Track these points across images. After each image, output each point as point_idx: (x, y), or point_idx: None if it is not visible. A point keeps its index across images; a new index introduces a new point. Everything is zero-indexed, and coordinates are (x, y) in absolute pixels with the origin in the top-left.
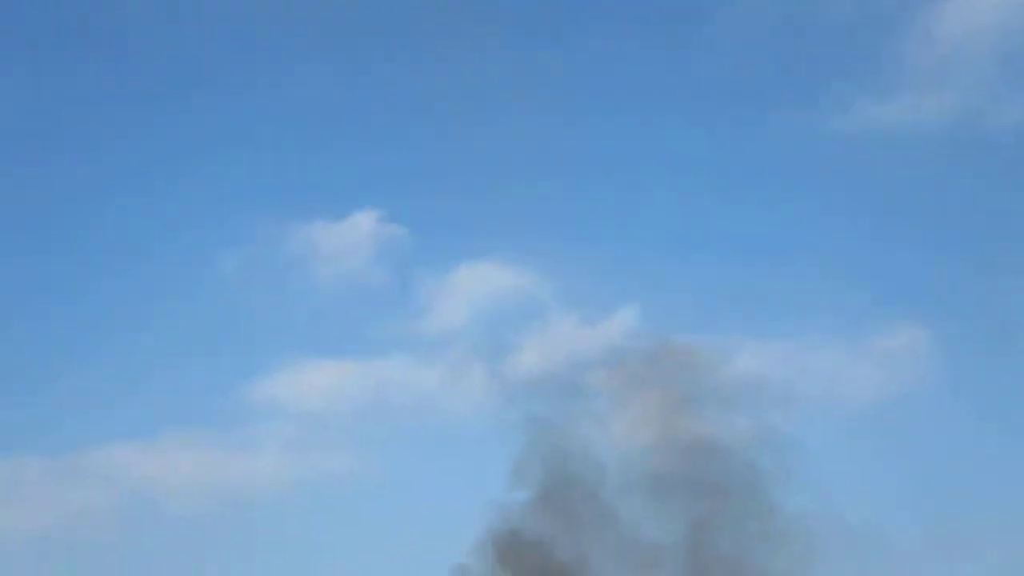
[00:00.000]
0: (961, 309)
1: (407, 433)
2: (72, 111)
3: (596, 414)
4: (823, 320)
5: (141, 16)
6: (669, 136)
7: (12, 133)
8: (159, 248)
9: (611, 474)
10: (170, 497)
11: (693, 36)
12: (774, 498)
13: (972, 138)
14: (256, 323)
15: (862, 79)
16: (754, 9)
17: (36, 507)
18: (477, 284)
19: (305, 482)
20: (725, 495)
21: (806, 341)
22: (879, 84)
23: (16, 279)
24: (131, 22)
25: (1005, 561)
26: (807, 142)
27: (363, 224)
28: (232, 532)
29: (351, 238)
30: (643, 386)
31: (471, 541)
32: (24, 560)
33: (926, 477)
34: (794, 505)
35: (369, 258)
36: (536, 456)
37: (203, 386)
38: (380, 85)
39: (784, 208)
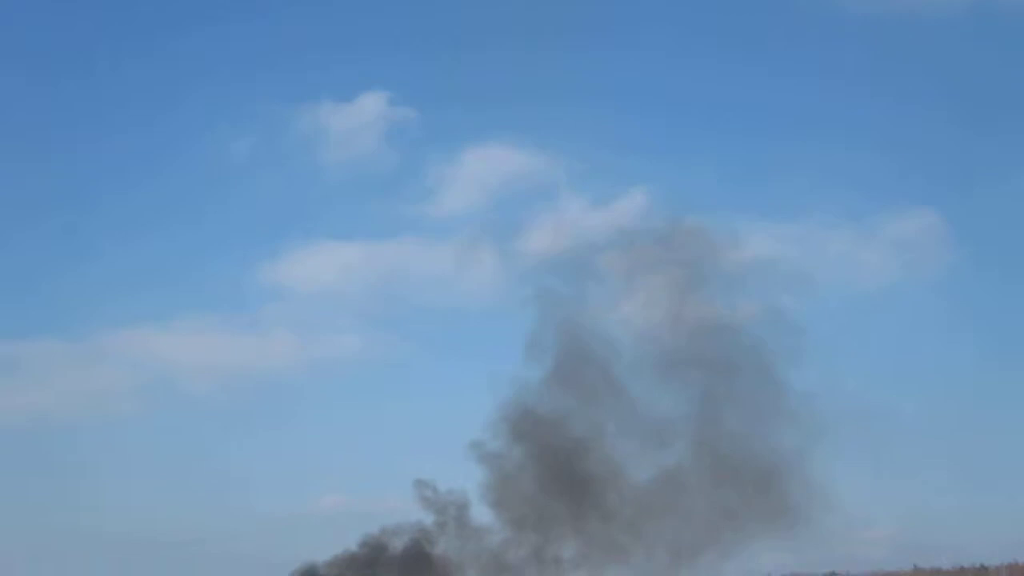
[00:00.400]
0: (979, 195)
1: (417, 315)
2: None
3: (607, 294)
4: (835, 204)
5: None
6: (687, 12)
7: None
8: (171, 136)
9: (622, 352)
10: (185, 378)
11: None
12: (783, 376)
13: (990, 18)
14: (266, 207)
15: None
16: None
17: (59, 388)
18: (486, 166)
19: (316, 363)
20: (734, 373)
21: (817, 224)
22: None
23: (39, 175)
24: None
25: (1009, 443)
26: (827, 23)
27: (372, 106)
28: (245, 411)
29: (360, 120)
30: (653, 267)
31: (486, 418)
32: (49, 439)
33: (935, 362)
34: (802, 384)
35: (378, 140)
36: (548, 335)
37: (215, 271)
38: None
39: (800, 85)
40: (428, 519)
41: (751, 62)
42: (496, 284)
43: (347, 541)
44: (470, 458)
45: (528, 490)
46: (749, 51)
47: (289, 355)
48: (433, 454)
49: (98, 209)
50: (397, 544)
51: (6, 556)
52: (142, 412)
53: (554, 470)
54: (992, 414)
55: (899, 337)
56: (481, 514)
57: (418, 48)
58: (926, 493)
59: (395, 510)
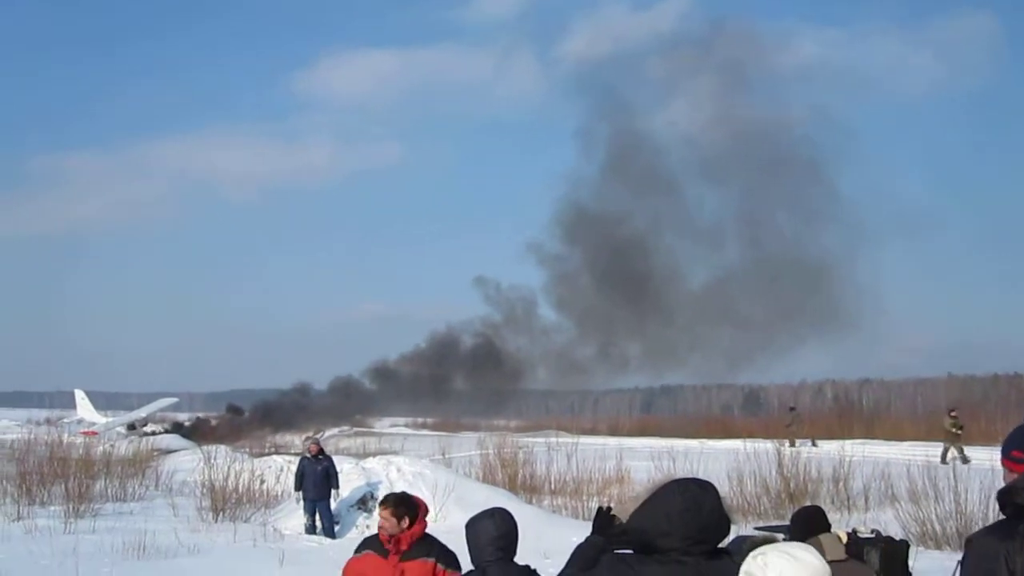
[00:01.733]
0: None
1: (455, 123)
2: None
3: (651, 98)
4: (885, 6)
5: None
6: None
7: None
8: None
9: (670, 154)
10: (224, 187)
11: None
12: (831, 180)
13: None
14: (299, 13)
15: None
16: None
17: (96, 199)
18: None
19: (354, 172)
20: (783, 175)
21: (865, 27)
22: None
23: None
24: None
25: None
26: None
27: None
28: (284, 220)
29: None
30: (697, 70)
31: (538, 222)
32: (91, 250)
33: (984, 171)
34: (850, 188)
35: None
36: (596, 135)
37: (250, 81)
38: None
39: None
40: (493, 317)
41: None
42: (536, 90)
43: (387, 348)
44: (522, 261)
45: (588, 290)
46: None
47: (327, 164)
48: (476, 262)
49: (129, 27)
50: (467, 341)
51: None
52: (181, 220)
53: (611, 270)
54: None
55: (947, 145)
56: (546, 314)
57: None
58: (967, 303)
59: (434, 317)
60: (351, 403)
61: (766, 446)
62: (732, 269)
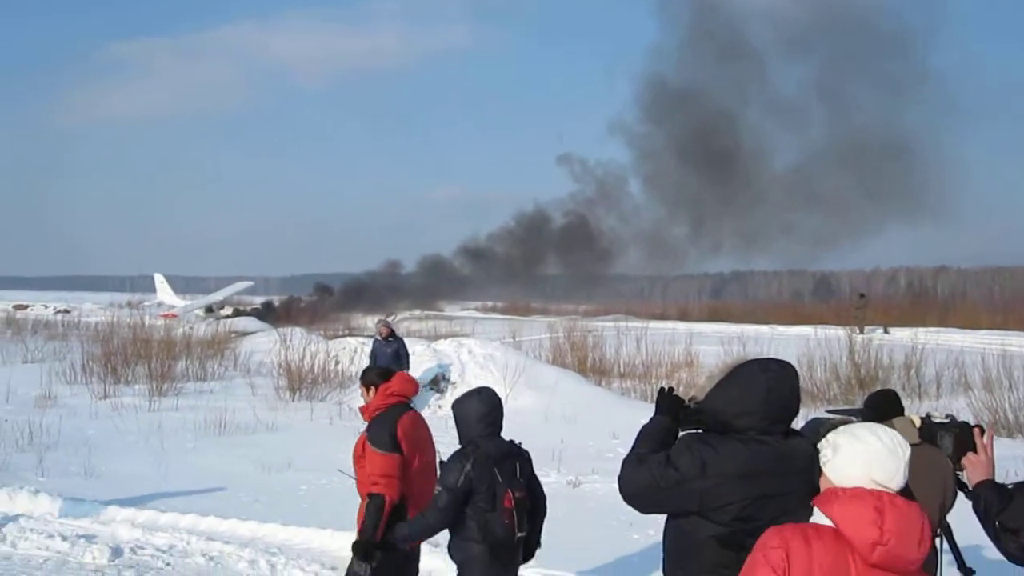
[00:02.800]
0: None
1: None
2: None
3: None
4: None
5: None
6: None
7: None
8: None
9: (753, 25)
10: (295, 72)
11: None
12: (917, 52)
13: None
14: None
15: None
16: None
17: (169, 86)
18: None
19: (426, 55)
20: (867, 47)
21: None
22: None
23: None
24: None
25: None
26: None
27: None
28: (357, 104)
29: None
30: None
31: (620, 101)
32: (167, 137)
33: None
34: (940, 63)
35: None
36: (678, 9)
37: None
38: None
39: None
40: (583, 194)
41: None
42: None
43: (463, 230)
44: (604, 142)
45: (674, 170)
46: None
47: (398, 47)
48: (555, 145)
49: None
50: (558, 219)
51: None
52: (253, 106)
53: (696, 148)
54: None
55: None
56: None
57: None
58: None
59: (509, 200)
60: (442, 283)
61: (837, 332)
62: (816, 148)
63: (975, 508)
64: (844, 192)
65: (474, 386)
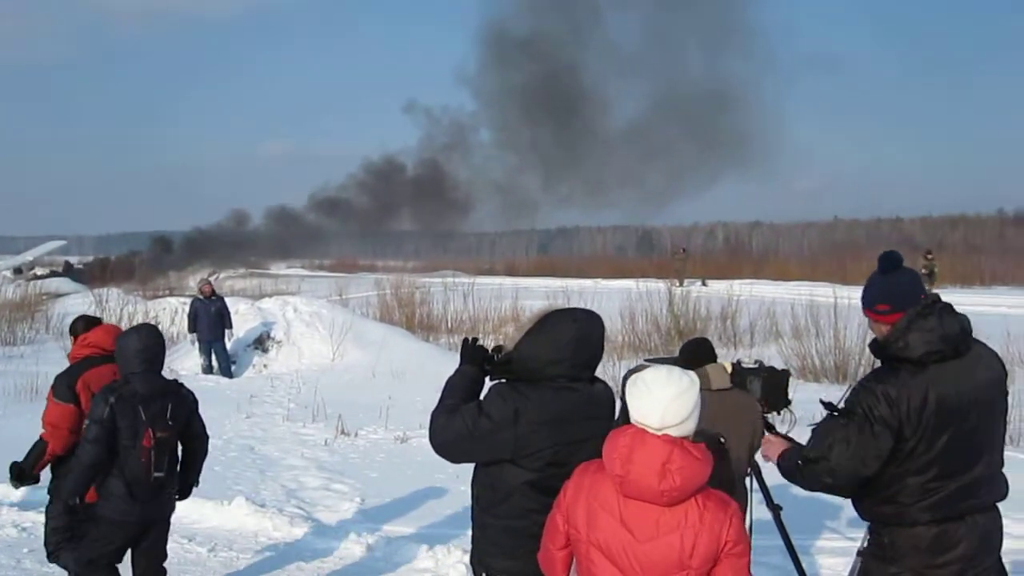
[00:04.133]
0: None
1: None
2: None
3: None
4: None
5: None
6: None
7: None
8: None
9: None
10: (114, 21)
11: None
12: (741, 9)
13: None
14: None
15: None
16: None
17: None
18: None
19: (253, 3)
20: (692, 2)
21: None
22: None
23: None
24: None
25: (960, 109)
26: None
27: None
28: (180, 57)
29: None
30: None
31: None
32: None
33: (901, 17)
34: (762, 22)
35: None
36: None
37: None
38: None
39: None
40: (434, 141)
41: None
42: None
43: (295, 188)
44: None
45: (519, 119)
46: None
47: None
48: (391, 98)
49: None
50: (411, 169)
51: None
52: (67, 56)
53: (540, 98)
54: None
55: None
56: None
57: None
58: (865, 146)
59: (346, 154)
60: (295, 236)
61: (658, 285)
62: (652, 99)
63: (782, 472)
64: (679, 143)
65: (300, 345)
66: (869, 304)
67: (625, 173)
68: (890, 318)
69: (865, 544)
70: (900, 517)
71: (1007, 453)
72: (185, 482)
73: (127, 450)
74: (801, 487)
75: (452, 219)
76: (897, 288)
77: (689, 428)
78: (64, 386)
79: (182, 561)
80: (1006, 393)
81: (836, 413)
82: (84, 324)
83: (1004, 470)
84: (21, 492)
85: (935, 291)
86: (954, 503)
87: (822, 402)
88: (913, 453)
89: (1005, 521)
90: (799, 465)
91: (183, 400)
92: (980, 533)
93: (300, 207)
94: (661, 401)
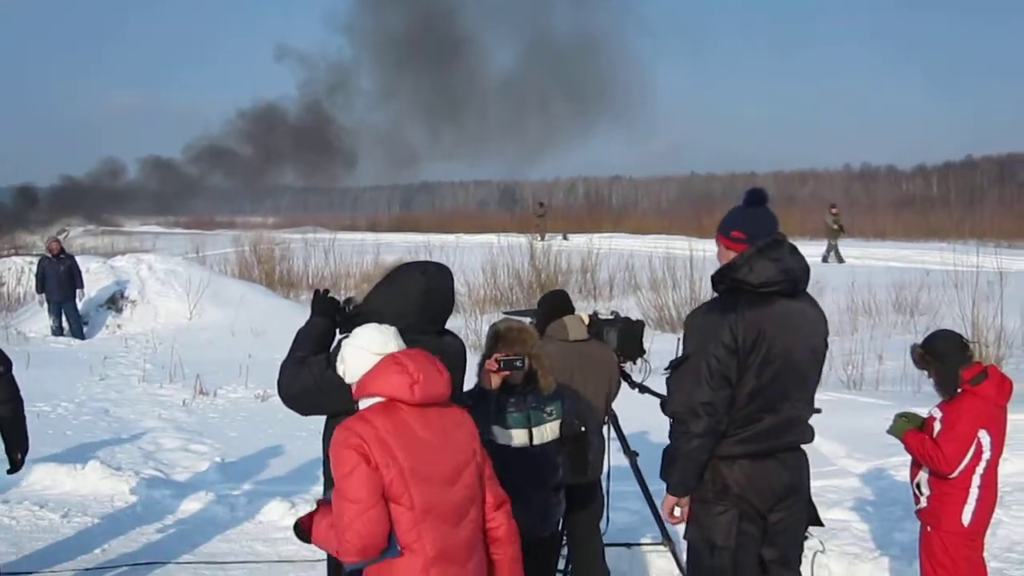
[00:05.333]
0: None
1: None
2: None
3: None
4: None
5: None
6: None
7: None
8: None
9: None
10: None
11: None
12: None
13: None
14: None
15: None
16: None
17: None
18: None
19: None
20: None
21: None
22: None
23: None
24: None
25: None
26: None
27: None
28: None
29: None
30: None
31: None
32: None
33: None
34: None
35: None
36: None
37: None
38: None
39: None
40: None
41: None
42: None
43: (151, 144)
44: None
45: (397, 68)
46: None
47: None
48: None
49: None
50: (292, 116)
51: None
52: None
53: (418, 46)
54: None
55: None
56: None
57: None
58: (721, 104)
59: (206, 107)
60: (171, 189)
61: (519, 240)
62: (525, 50)
63: (664, 471)
64: (551, 94)
65: (155, 304)
66: (724, 230)
67: (503, 125)
68: (741, 247)
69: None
70: (720, 450)
71: (848, 396)
72: (10, 451)
73: None
74: (692, 452)
75: (336, 171)
76: (756, 220)
77: None
78: None
79: (34, 529)
80: (827, 345)
81: (678, 365)
82: None
83: (845, 411)
84: None
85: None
86: (768, 439)
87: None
88: (740, 382)
89: (847, 461)
90: (672, 439)
91: None
92: (791, 471)
93: (177, 158)
94: (388, 333)
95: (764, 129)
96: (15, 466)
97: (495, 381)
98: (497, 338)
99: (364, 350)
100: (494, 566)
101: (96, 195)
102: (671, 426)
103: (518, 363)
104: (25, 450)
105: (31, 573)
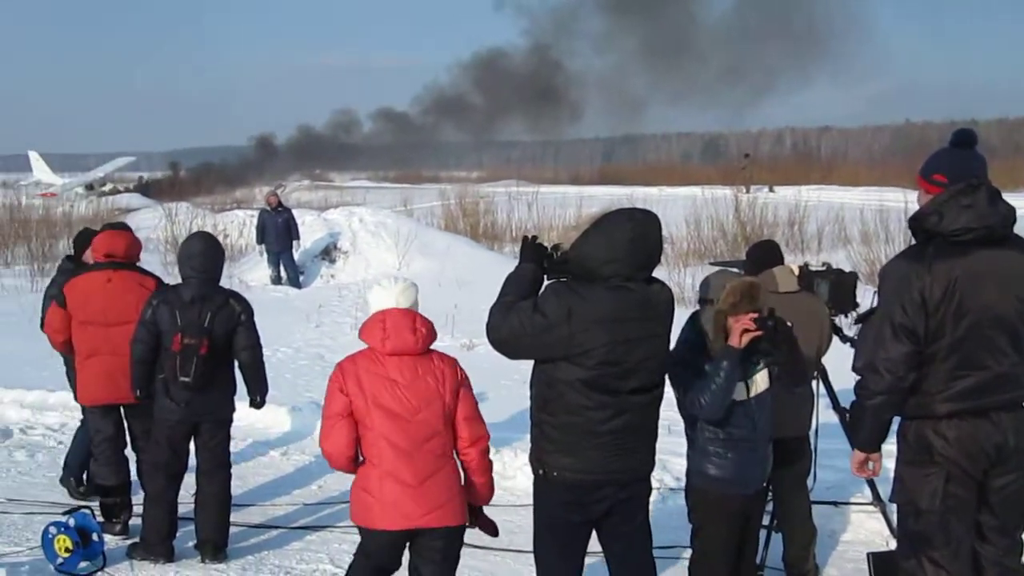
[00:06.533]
0: None
1: None
2: None
3: None
4: None
5: None
6: None
7: None
8: None
9: None
10: None
11: None
12: None
13: None
14: None
15: None
16: None
17: None
18: None
19: None
20: None
21: None
22: None
23: None
24: None
25: None
26: None
27: None
28: None
29: None
30: None
31: None
32: (33, 7)
33: None
34: None
35: None
36: None
37: None
38: None
39: None
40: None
41: None
42: None
43: (361, 101)
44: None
45: (617, 14)
46: None
47: None
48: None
49: None
50: (518, 65)
51: None
52: None
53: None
54: None
55: None
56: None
57: None
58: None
59: (403, 66)
60: (405, 142)
61: (724, 192)
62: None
63: (851, 422)
64: (769, 38)
65: (366, 255)
66: (925, 172)
67: (720, 71)
68: (941, 191)
69: (898, 452)
70: (924, 409)
71: None
72: (250, 393)
73: (165, 351)
74: (874, 410)
75: (562, 122)
76: (961, 162)
77: (418, 306)
78: (56, 288)
79: (257, 464)
80: None
81: (865, 318)
82: (86, 236)
83: None
84: None
85: None
86: (977, 396)
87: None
88: (936, 336)
89: None
90: (856, 395)
91: (229, 312)
92: (1007, 432)
93: (408, 110)
94: (393, 292)
95: (988, 72)
96: (255, 407)
97: (744, 340)
98: (742, 295)
99: (371, 307)
100: (473, 489)
101: (332, 146)
102: (855, 383)
103: (770, 323)
104: (264, 392)
105: (255, 504)
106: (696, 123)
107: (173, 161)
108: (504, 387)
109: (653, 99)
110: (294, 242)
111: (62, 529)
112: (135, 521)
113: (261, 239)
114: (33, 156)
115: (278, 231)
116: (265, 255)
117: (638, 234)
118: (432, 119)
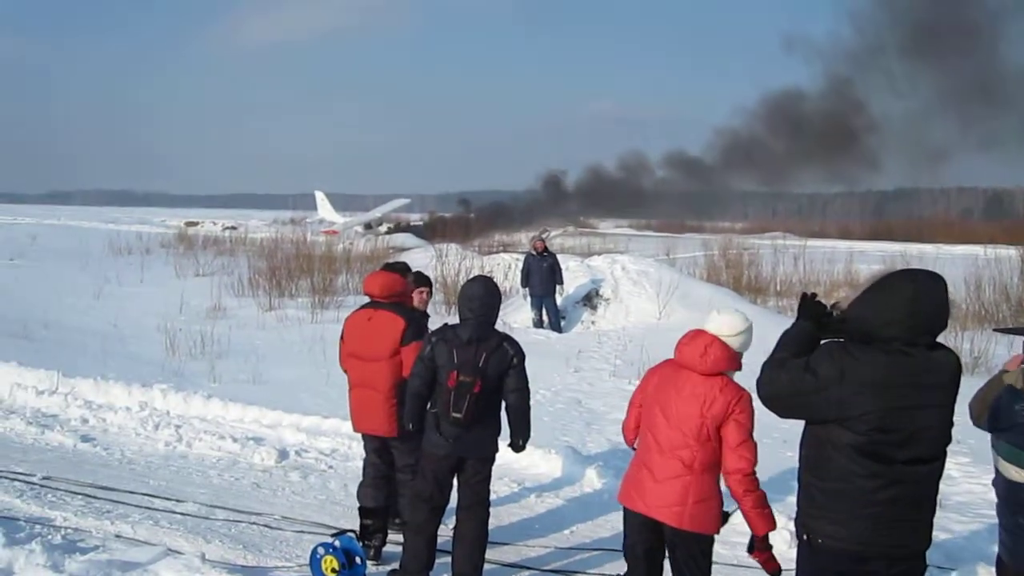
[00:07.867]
0: None
1: None
2: None
3: None
4: None
5: None
6: None
7: None
8: None
9: None
10: None
11: None
12: None
13: None
14: None
15: None
16: None
17: (323, 13)
18: None
19: None
20: None
21: None
22: None
23: None
24: None
25: None
26: None
27: None
28: (506, 15)
29: None
30: None
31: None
32: (329, 59)
33: None
34: None
35: None
36: None
37: None
38: None
39: None
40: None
41: None
42: None
43: (617, 147)
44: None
45: (913, 54)
46: None
47: None
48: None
49: None
50: (811, 107)
51: None
52: (409, 22)
53: (933, 29)
54: None
55: None
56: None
57: None
58: None
59: (664, 117)
60: (697, 190)
61: (1008, 252)
62: None
63: None
64: None
65: (627, 303)
66: None
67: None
68: None
69: None
70: None
71: None
72: (513, 435)
73: (440, 387)
74: None
75: (863, 170)
76: None
77: (736, 341)
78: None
79: (512, 504)
80: None
81: None
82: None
83: None
84: None
85: None
86: None
87: None
88: None
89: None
90: None
91: (502, 354)
92: None
93: (699, 154)
94: (720, 321)
95: None
96: (516, 450)
97: None
98: None
99: (709, 324)
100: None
101: (621, 191)
102: None
103: None
104: (527, 436)
105: (509, 543)
106: (978, 177)
107: (463, 199)
108: (764, 445)
109: (958, 148)
110: (557, 287)
111: (330, 550)
112: (389, 548)
113: (526, 282)
114: (319, 196)
115: (542, 275)
116: (529, 298)
117: (920, 296)
118: (723, 163)
